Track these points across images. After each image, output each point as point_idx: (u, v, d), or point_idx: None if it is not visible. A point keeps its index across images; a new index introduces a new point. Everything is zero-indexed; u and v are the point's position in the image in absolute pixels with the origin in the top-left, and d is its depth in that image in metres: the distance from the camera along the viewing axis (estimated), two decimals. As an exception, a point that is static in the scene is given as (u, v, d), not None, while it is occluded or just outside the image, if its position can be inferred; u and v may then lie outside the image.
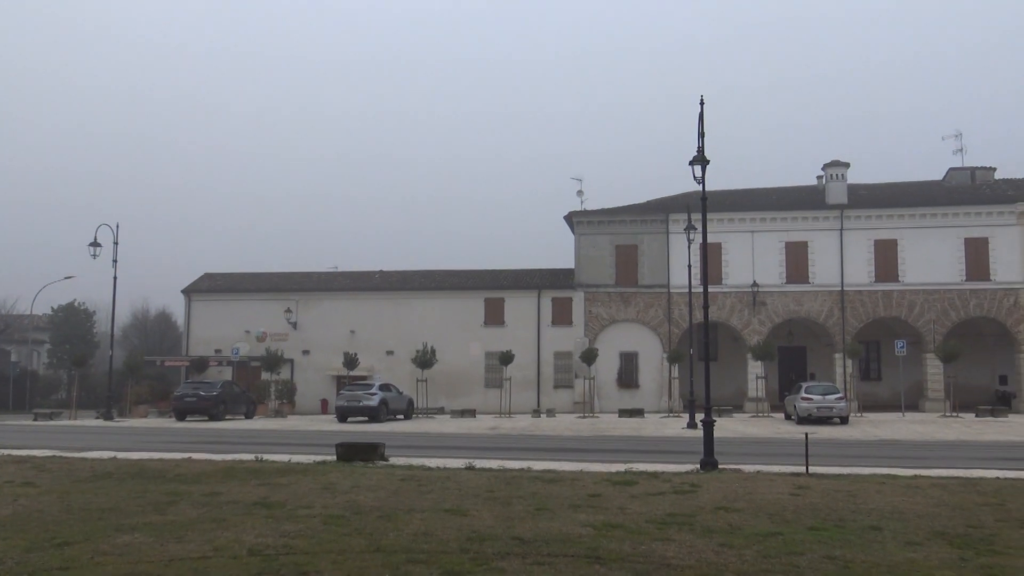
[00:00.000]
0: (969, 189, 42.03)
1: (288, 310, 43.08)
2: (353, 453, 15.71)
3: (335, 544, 7.83)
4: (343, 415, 33.11)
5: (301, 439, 24.36)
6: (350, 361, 38.40)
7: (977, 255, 38.66)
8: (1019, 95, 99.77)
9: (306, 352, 42.94)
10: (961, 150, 45.69)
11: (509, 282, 43.25)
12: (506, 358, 37.05)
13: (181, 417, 34.18)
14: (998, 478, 13.19)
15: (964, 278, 38.63)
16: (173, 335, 62.84)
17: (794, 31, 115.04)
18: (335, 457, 15.74)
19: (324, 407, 40.71)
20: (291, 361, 42.07)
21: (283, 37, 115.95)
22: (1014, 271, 38.26)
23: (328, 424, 32.10)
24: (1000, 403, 37.12)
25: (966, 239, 38.80)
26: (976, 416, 33.04)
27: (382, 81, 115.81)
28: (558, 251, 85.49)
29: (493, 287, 42.87)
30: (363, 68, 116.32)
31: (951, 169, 44.58)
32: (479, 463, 15.14)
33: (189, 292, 45.04)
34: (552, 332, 41.39)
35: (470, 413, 36.30)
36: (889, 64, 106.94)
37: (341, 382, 39.28)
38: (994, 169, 43.93)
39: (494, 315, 42.08)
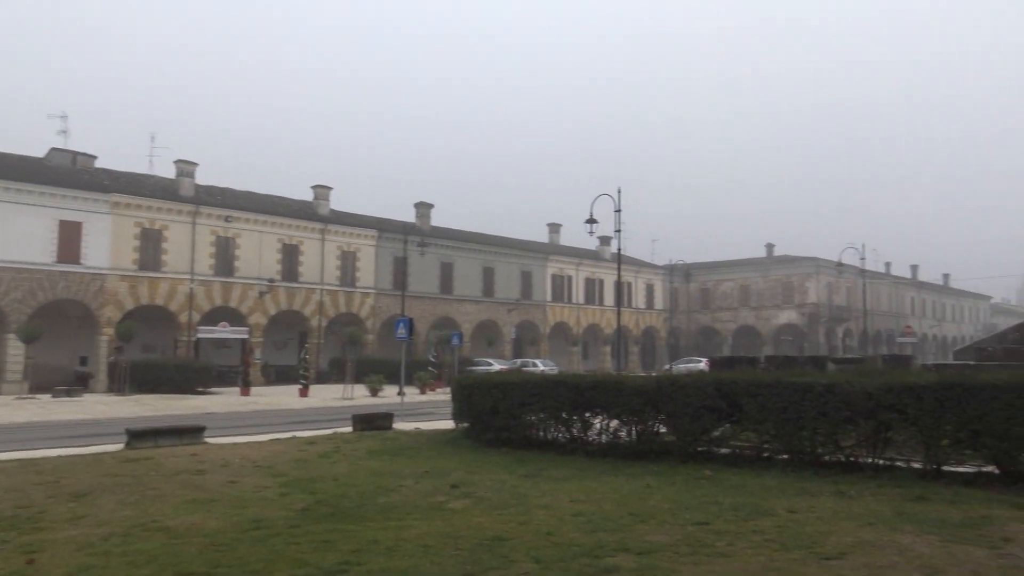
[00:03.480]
0: (70, 172, 42.36)
1: None
2: None
3: None
4: None
5: None
6: None
7: (71, 238, 39.09)
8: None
9: None
10: (66, 132, 45.94)
11: None
12: None
13: None
14: (59, 456, 13.60)
15: (56, 259, 38.56)
16: None
17: None
18: None
19: None
20: None
21: None
22: (104, 257, 40.09)
23: None
24: (79, 383, 38.31)
25: (61, 221, 38.80)
26: (53, 396, 33.35)
27: None
28: None
29: None
30: None
31: (53, 149, 44.24)
32: None
33: None
34: None
35: None
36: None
37: None
38: (95, 157, 45.40)
39: None
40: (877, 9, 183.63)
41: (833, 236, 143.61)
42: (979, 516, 7.91)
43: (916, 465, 10.39)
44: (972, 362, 15.27)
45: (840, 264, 60.90)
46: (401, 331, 25.37)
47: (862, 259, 61.34)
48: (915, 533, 7.29)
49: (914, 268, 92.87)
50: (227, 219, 44.73)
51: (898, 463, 10.61)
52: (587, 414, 13.24)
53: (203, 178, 46.54)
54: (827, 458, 10.97)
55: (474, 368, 42.36)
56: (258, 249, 46.12)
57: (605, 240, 67.10)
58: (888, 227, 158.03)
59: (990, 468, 9.91)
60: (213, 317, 43.61)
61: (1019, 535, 7.21)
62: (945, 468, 10.14)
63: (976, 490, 9.18)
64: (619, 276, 36.98)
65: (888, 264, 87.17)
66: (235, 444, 15.43)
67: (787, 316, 73.99)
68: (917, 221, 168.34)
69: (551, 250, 66.68)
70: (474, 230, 63.52)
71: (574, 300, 66.05)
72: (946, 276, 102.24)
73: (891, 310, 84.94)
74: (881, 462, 10.61)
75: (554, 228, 71.03)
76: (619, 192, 33.09)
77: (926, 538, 7.11)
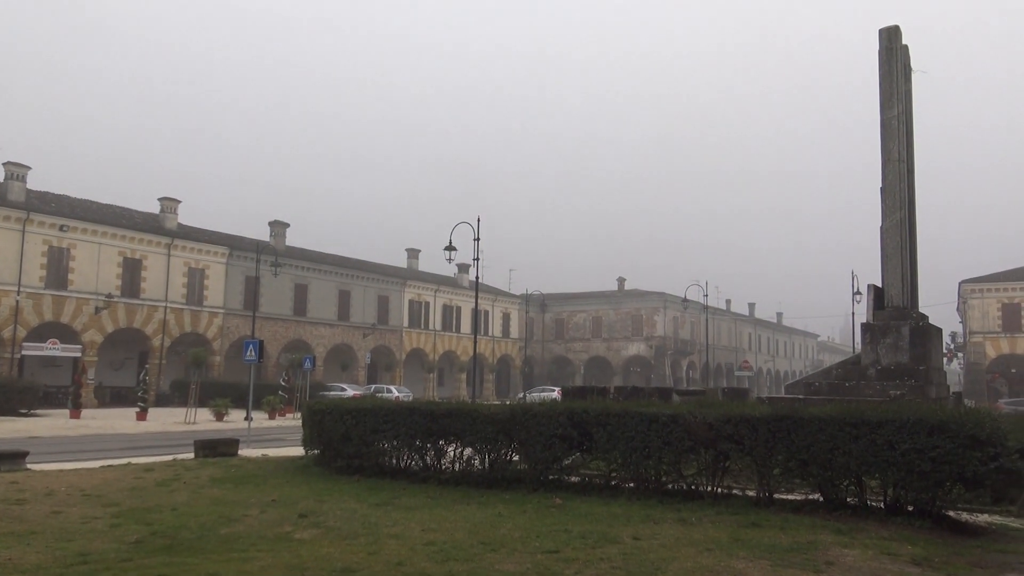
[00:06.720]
0: None
1: None
2: None
3: None
4: None
5: None
6: None
7: None
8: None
9: None
10: None
11: None
12: None
13: None
14: None
15: None
16: None
17: None
18: None
19: None
20: None
21: None
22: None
23: None
24: None
25: None
26: None
27: None
28: None
29: None
30: None
31: None
32: None
33: None
34: None
35: None
36: None
37: None
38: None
39: None
40: (716, 44, 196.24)
41: (681, 272, 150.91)
42: (806, 541, 8.44)
43: (751, 493, 10.98)
44: (801, 396, 16.33)
45: (685, 300, 63.95)
46: (250, 353, 24.30)
47: (705, 295, 64.71)
48: (749, 558, 7.70)
49: (751, 306, 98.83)
50: (62, 228, 41.78)
51: (735, 491, 11.18)
52: (441, 442, 13.18)
53: (36, 184, 43.40)
54: (671, 486, 11.41)
55: (327, 393, 41.30)
56: (95, 262, 43.28)
57: (463, 267, 67.47)
58: (729, 265, 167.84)
59: (816, 495, 10.62)
60: (42, 333, 40.47)
61: (840, 558, 7.75)
62: (776, 496, 10.78)
63: (803, 516, 9.80)
64: (476, 304, 37.31)
65: (728, 301, 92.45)
66: (62, 471, 14.32)
67: (636, 348, 76.76)
68: (755, 260, 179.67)
69: (409, 275, 66.34)
70: (331, 252, 62.36)
71: (431, 326, 65.88)
72: (779, 314, 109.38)
73: (730, 345, 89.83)
74: (720, 490, 11.14)
75: (413, 253, 70.75)
76: (478, 221, 33.48)
77: (759, 563, 7.52)
